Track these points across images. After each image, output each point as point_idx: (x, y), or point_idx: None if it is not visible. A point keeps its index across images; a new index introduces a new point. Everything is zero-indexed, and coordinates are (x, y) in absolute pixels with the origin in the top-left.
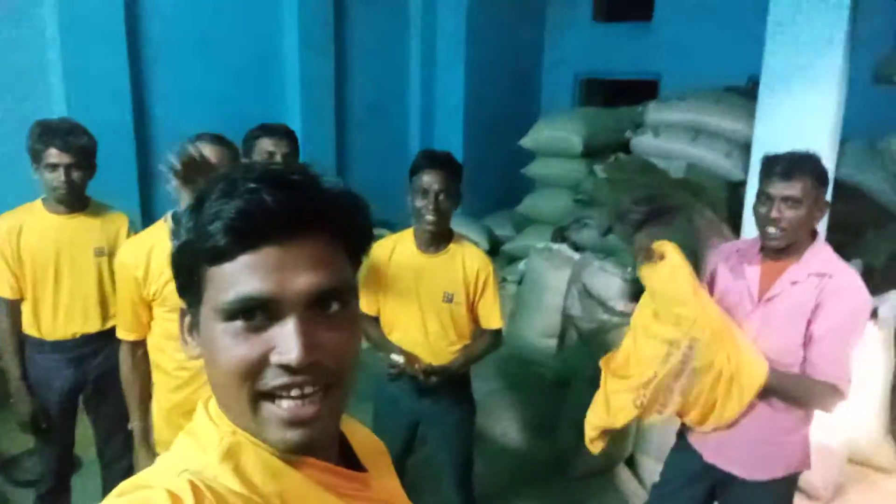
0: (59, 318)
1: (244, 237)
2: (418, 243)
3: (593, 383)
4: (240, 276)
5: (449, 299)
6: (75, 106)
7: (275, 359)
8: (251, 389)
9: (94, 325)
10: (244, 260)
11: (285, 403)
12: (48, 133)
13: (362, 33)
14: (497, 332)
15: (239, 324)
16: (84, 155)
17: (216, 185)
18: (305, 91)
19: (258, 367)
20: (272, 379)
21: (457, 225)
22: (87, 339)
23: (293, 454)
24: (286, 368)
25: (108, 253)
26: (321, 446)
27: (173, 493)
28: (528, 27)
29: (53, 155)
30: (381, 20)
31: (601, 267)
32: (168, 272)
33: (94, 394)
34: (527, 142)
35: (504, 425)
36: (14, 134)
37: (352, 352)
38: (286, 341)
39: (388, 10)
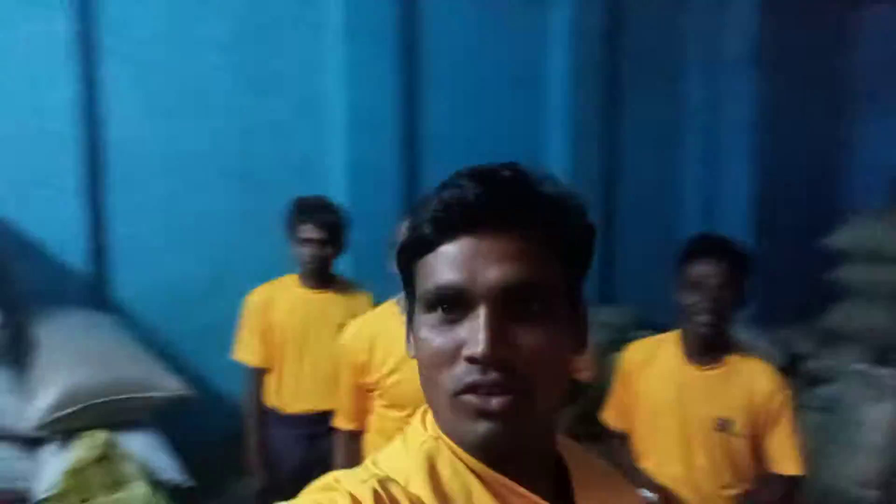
0: (300, 391)
1: (444, 228)
2: (686, 350)
3: None
4: (438, 267)
5: (723, 427)
6: (354, 193)
7: (464, 352)
8: (447, 384)
9: (330, 402)
10: (443, 250)
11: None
12: (304, 209)
13: (634, 122)
14: (794, 481)
15: (439, 314)
16: (334, 231)
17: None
18: (573, 182)
19: (451, 359)
20: (464, 375)
21: (743, 335)
22: (322, 417)
23: (482, 450)
24: (473, 362)
25: None
26: (516, 461)
27: (355, 497)
28: (830, 118)
29: (307, 230)
30: (657, 109)
31: None
32: (391, 362)
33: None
34: (838, 241)
35: None
36: None
37: (551, 357)
38: (474, 334)
39: (664, 99)
